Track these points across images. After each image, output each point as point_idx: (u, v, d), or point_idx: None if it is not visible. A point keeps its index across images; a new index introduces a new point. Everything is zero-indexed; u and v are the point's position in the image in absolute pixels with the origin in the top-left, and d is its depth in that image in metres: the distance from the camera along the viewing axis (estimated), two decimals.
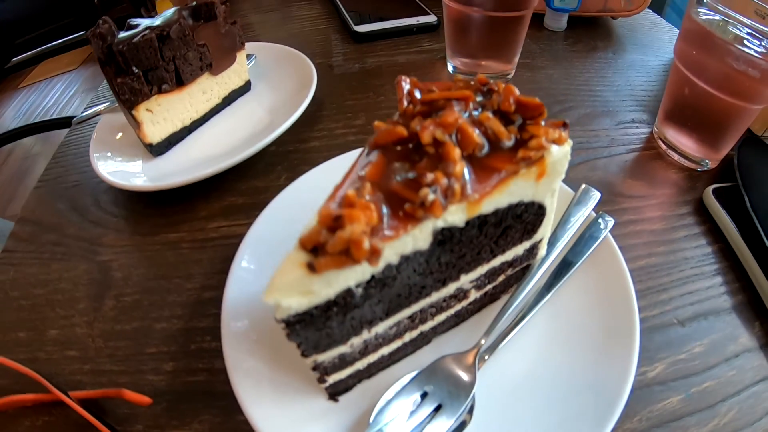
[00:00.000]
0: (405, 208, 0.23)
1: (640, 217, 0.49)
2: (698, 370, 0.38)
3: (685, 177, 0.54)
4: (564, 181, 0.45)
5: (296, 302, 0.23)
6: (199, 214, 0.52)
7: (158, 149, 0.56)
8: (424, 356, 0.36)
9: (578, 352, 0.35)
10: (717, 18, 0.46)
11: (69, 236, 0.51)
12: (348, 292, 0.25)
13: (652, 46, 0.79)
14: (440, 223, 0.25)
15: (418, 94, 0.29)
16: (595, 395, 0.32)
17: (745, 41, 0.43)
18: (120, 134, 0.58)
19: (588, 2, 0.77)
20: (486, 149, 0.27)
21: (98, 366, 0.39)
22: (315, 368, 0.30)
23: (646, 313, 0.41)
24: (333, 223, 0.21)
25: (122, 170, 0.53)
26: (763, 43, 0.42)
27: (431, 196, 0.22)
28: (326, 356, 0.30)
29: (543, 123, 0.27)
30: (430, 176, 0.23)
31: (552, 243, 0.40)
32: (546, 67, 0.71)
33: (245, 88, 0.65)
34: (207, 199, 0.53)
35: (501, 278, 0.37)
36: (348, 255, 0.21)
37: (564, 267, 0.40)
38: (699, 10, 0.48)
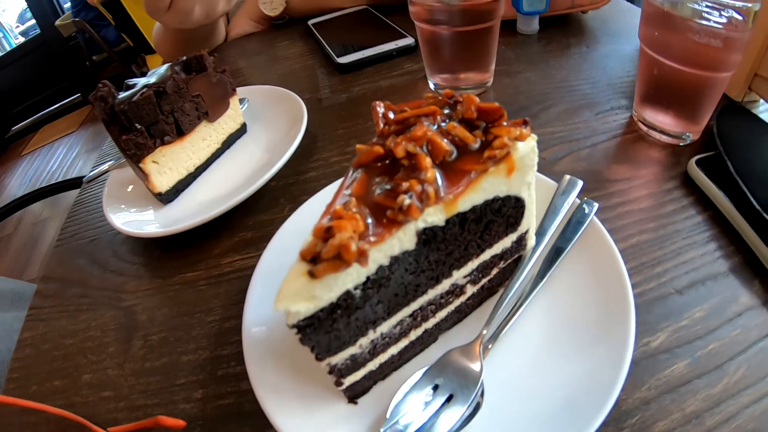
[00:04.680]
0: (387, 214, 0.26)
1: (627, 198, 0.51)
2: (701, 334, 0.38)
3: (669, 153, 0.55)
4: (549, 174, 0.48)
5: (303, 307, 0.26)
6: (213, 252, 0.55)
7: (167, 197, 0.59)
8: (433, 353, 0.38)
9: (577, 331, 0.37)
10: None
11: (93, 288, 0.54)
12: (348, 294, 0.28)
13: (624, 33, 0.80)
14: (421, 224, 0.28)
15: (391, 115, 0.33)
16: (598, 369, 0.33)
17: (704, 14, 0.46)
18: (131, 187, 0.62)
19: (556, 1, 0.80)
20: (455, 154, 0.30)
21: (132, 402, 0.42)
22: (330, 371, 0.33)
23: (643, 287, 0.42)
24: (325, 234, 0.24)
25: (136, 220, 0.57)
26: (722, 13, 0.45)
27: (407, 201, 0.26)
28: (338, 358, 0.32)
29: (505, 124, 0.30)
30: (405, 184, 0.27)
31: (541, 233, 0.42)
32: (523, 71, 0.74)
33: (241, 130, 0.70)
34: (218, 238, 0.56)
35: (494, 271, 0.39)
36: (341, 259, 0.24)
37: (555, 253, 0.41)
38: None
